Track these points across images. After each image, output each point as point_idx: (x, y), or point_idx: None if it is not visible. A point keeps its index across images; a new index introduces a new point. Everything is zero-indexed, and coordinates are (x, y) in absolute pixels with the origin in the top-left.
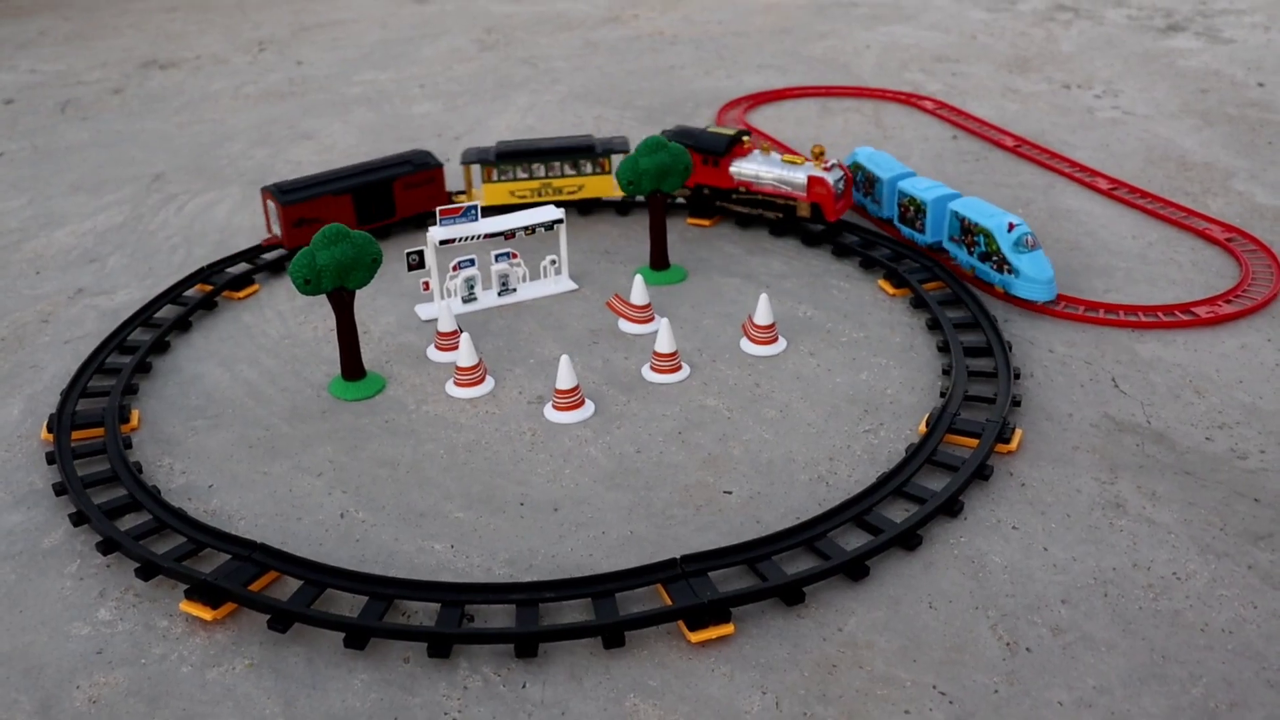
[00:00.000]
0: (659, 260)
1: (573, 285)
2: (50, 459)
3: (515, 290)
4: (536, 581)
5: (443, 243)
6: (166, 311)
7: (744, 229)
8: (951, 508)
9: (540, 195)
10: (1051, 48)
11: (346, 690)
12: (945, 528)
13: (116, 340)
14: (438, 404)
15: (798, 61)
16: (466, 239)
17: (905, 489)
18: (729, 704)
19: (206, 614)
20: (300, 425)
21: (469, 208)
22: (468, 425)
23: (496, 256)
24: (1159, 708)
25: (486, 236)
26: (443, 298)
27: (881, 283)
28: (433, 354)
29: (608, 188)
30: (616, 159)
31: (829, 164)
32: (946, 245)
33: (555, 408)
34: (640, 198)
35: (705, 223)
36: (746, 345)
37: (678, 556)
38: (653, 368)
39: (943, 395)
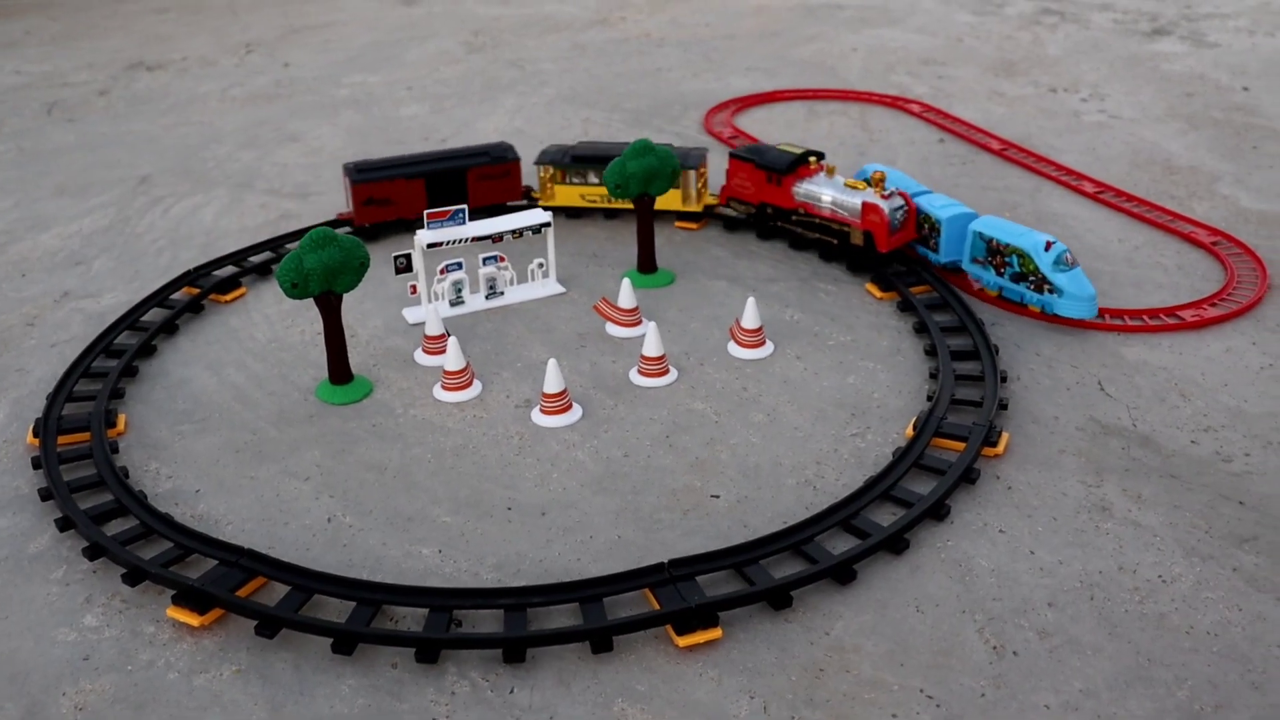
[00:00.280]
0: (646, 263)
1: (560, 288)
2: (36, 464)
3: (503, 294)
4: (524, 586)
5: (430, 246)
6: (153, 315)
7: (731, 232)
8: (938, 512)
9: (608, 201)
10: (1038, 51)
11: (334, 696)
12: (932, 532)
13: (103, 344)
14: (425, 408)
15: (785, 64)
16: (454, 242)
17: (892, 493)
18: (717, 708)
19: (194, 620)
20: (287, 429)
21: (456, 211)
22: (455, 429)
23: (484, 260)
24: (1145, 710)
25: (474, 240)
26: (430, 301)
27: (869, 286)
28: (420, 357)
29: (675, 200)
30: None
31: (888, 192)
32: (967, 267)
33: (543, 411)
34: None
35: (693, 226)
36: (734, 349)
37: (665, 561)
38: (640, 371)
39: (930, 399)
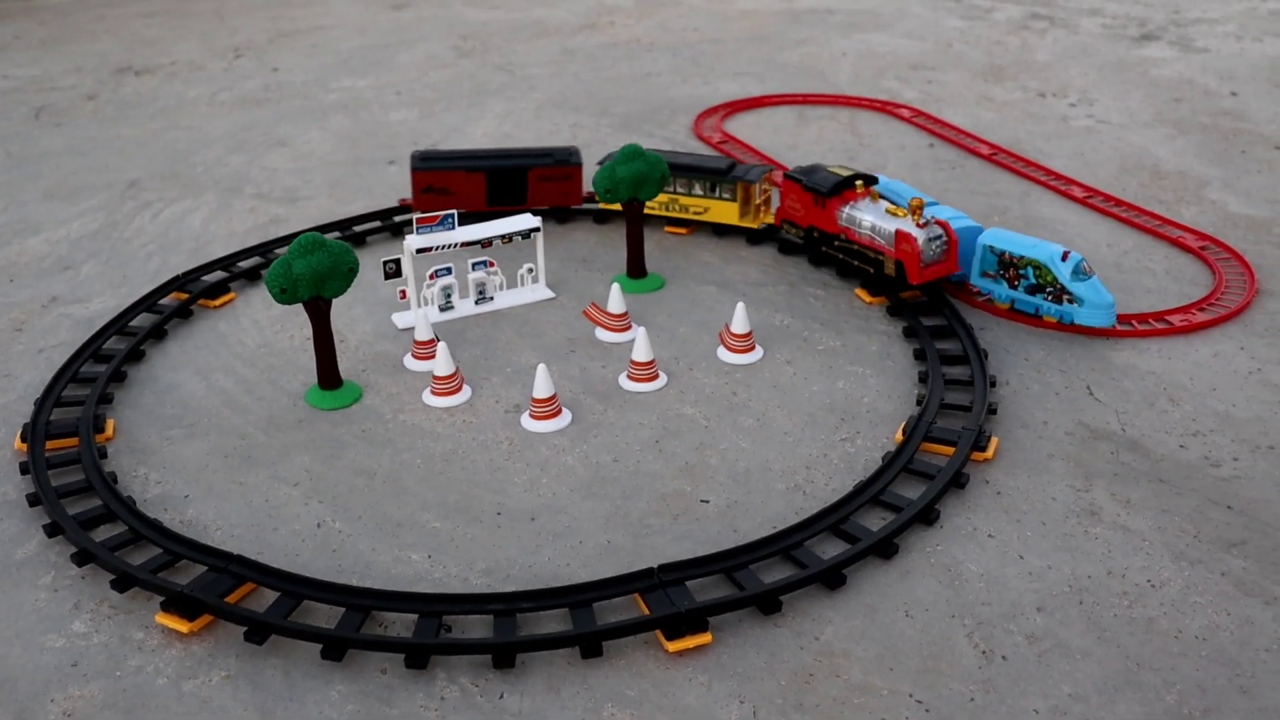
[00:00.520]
0: (636, 268)
1: (550, 294)
2: (24, 469)
3: (492, 299)
4: (514, 591)
5: (419, 251)
6: (142, 320)
7: (720, 237)
8: (928, 516)
9: (667, 210)
10: (1027, 56)
11: (324, 702)
12: (922, 536)
13: (91, 349)
14: (414, 413)
15: (774, 69)
16: (443, 247)
17: (882, 498)
18: (707, 713)
19: (183, 626)
20: (277, 435)
21: (446, 216)
22: (445, 434)
23: (474, 265)
24: (1133, 714)
25: (464, 245)
26: (419, 306)
27: (858, 291)
28: (409, 363)
29: (732, 215)
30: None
31: (924, 220)
32: (976, 282)
33: (532, 416)
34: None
35: (682, 231)
36: (723, 354)
37: (655, 566)
38: (630, 376)
39: (919, 403)
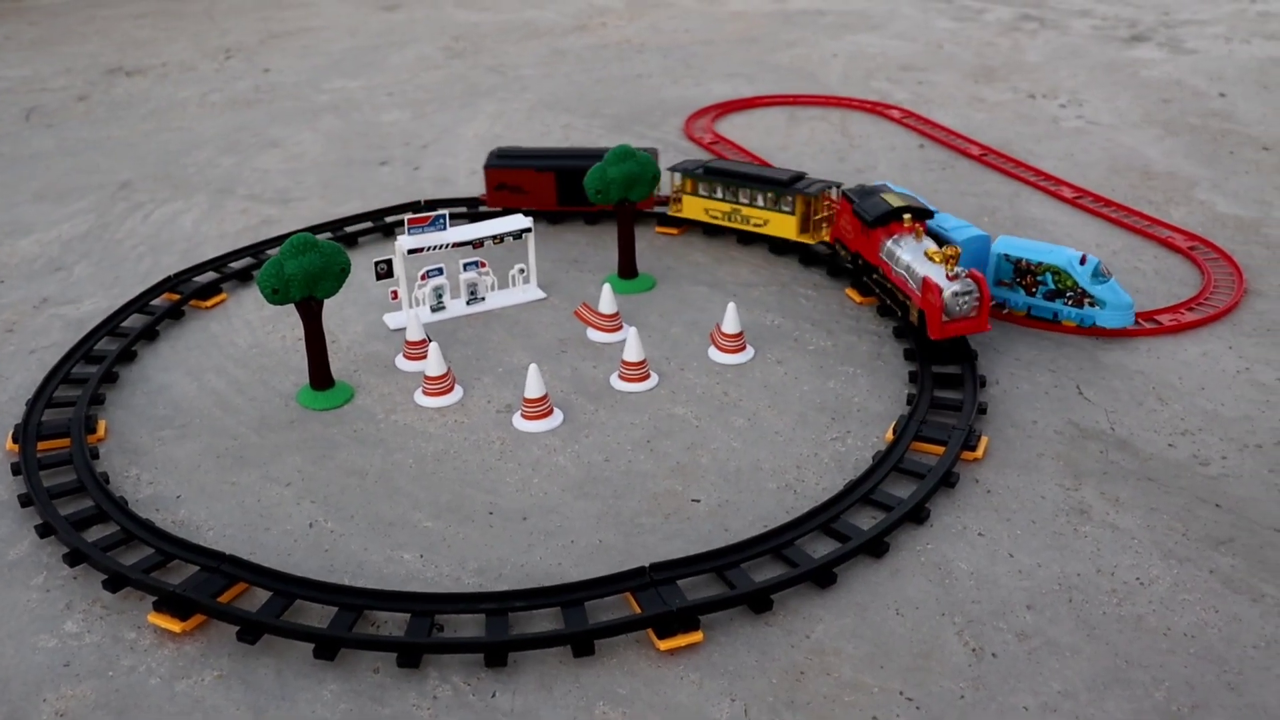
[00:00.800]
0: (627, 269)
1: (541, 294)
2: (15, 470)
3: (484, 299)
4: (506, 590)
5: (411, 252)
6: (133, 321)
7: (711, 238)
8: (918, 515)
9: (729, 220)
10: (1017, 57)
11: (316, 701)
12: (912, 535)
13: (83, 350)
14: (406, 413)
15: (765, 70)
16: (435, 248)
17: (872, 496)
18: (698, 711)
19: (175, 626)
20: (268, 435)
21: (437, 216)
22: (436, 434)
23: (465, 265)
24: (1123, 712)
25: (455, 245)
26: (411, 307)
27: (849, 291)
28: (401, 363)
29: (791, 229)
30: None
31: (955, 272)
32: (992, 290)
33: (524, 416)
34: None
35: (673, 231)
36: (714, 354)
37: (646, 565)
38: (621, 376)
39: (909, 403)
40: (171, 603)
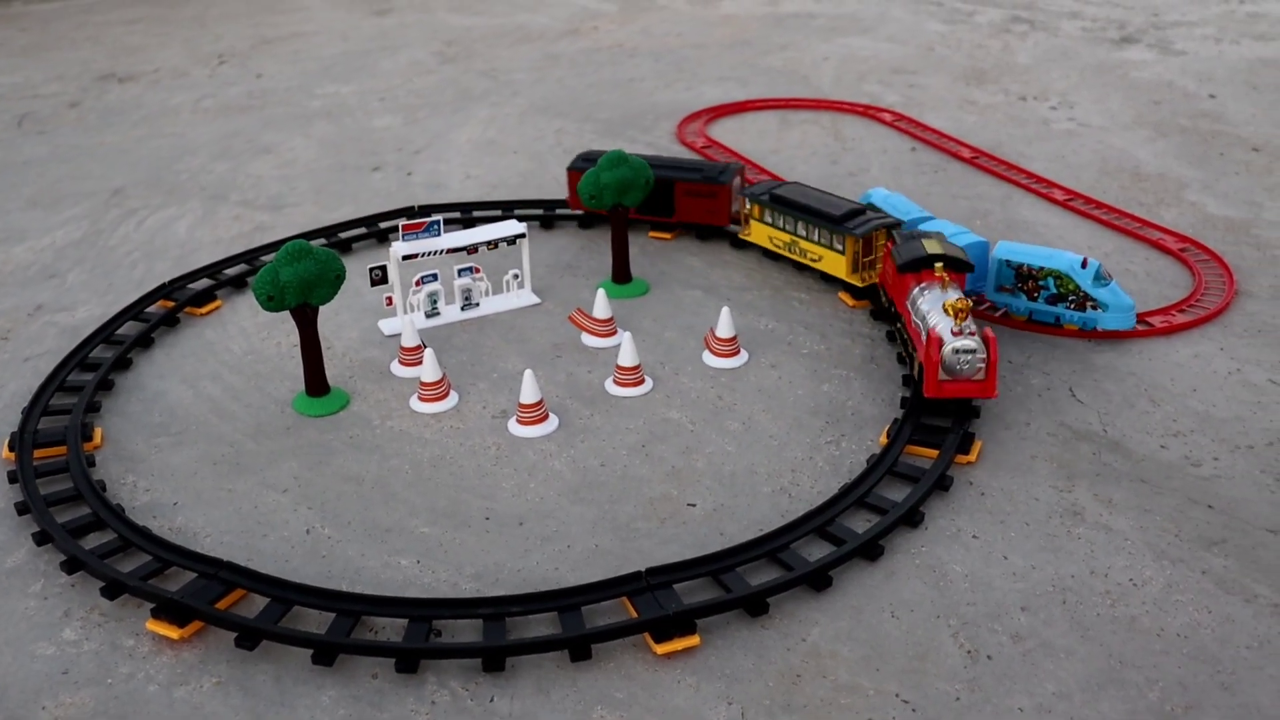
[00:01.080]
0: (621, 274)
1: (535, 299)
2: (12, 478)
3: (478, 305)
4: (503, 596)
5: (405, 258)
6: (128, 328)
7: (704, 241)
8: (912, 518)
9: (789, 251)
10: (1008, 59)
11: (315, 707)
12: (906, 538)
13: (78, 357)
14: (402, 419)
15: (757, 73)
16: (429, 254)
17: (867, 500)
18: (695, 714)
19: (173, 633)
20: (265, 442)
21: (432, 222)
22: (432, 440)
23: (459, 271)
24: (1117, 712)
25: (449, 251)
26: (406, 313)
27: (842, 295)
28: (396, 369)
29: (841, 268)
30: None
31: (960, 329)
32: (993, 297)
33: (519, 422)
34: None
35: (666, 236)
36: (709, 358)
37: (643, 569)
38: (616, 381)
39: (903, 406)
40: (170, 609)
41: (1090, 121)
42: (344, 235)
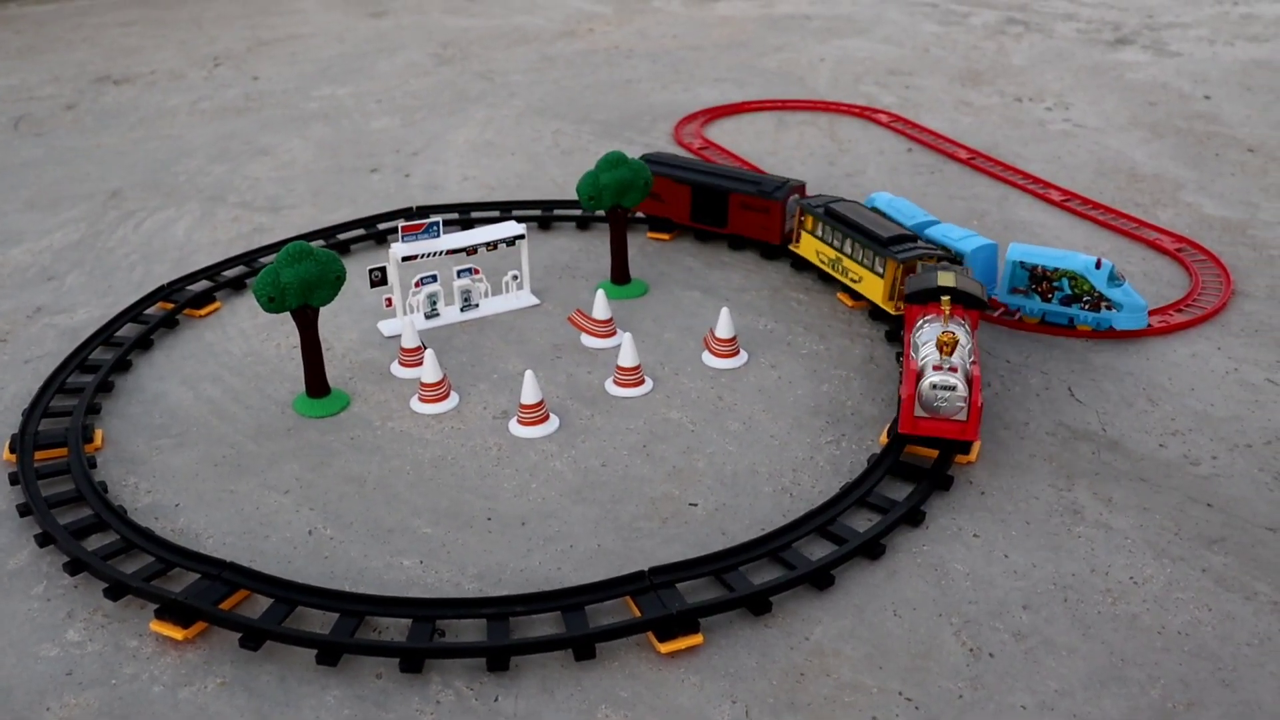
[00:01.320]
0: (620, 274)
1: (535, 300)
2: (13, 480)
3: (478, 306)
4: (506, 595)
5: (405, 259)
6: (128, 330)
7: (703, 243)
8: (913, 517)
9: (834, 269)
10: (1003, 61)
11: (320, 707)
12: (908, 536)
13: (78, 359)
14: (403, 420)
15: (753, 75)
16: (429, 255)
17: (868, 499)
18: (699, 713)
19: (177, 633)
20: (266, 443)
21: (431, 224)
22: (433, 441)
23: (459, 272)
24: (1119, 710)
25: (449, 252)
26: (406, 314)
27: (840, 295)
28: (397, 370)
29: (878, 293)
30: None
31: (943, 362)
32: (1005, 299)
33: (520, 422)
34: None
35: (665, 237)
36: (708, 358)
37: (646, 569)
38: (616, 381)
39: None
40: (173, 610)
41: (1086, 122)
42: (343, 236)
